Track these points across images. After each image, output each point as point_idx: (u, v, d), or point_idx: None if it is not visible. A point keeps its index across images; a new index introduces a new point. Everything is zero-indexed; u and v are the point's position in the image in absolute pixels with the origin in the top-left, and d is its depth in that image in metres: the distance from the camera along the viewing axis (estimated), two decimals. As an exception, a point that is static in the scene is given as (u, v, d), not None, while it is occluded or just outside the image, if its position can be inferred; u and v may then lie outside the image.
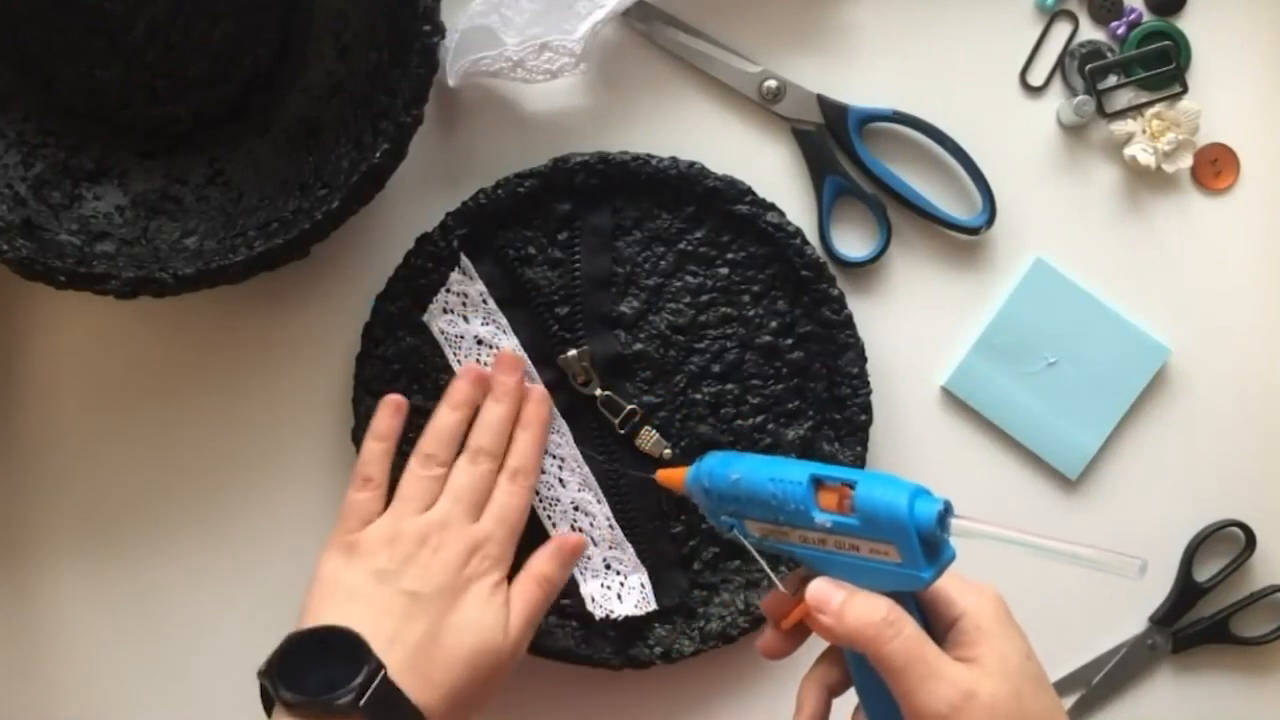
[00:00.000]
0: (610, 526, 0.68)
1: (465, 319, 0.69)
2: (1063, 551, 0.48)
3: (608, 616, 0.68)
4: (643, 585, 0.68)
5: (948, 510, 0.49)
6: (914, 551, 0.48)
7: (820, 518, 0.50)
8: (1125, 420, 0.70)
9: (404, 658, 0.57)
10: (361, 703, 0.54)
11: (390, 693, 0.56)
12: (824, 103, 0.69)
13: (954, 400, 0.70)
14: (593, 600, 0.68)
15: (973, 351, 0.70)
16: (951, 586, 0.52)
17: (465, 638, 0.59)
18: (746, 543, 0.54)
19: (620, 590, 0.68)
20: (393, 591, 0.60)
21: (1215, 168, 0.70)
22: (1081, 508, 0.70)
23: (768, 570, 0.54)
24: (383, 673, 0.56)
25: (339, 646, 0.57)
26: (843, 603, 0.49)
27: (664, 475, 0.59)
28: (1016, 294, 0.70)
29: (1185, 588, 0.69)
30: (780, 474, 0.52)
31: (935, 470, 0.70)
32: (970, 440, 0.70)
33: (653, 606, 0.68)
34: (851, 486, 0.50)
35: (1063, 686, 0.70)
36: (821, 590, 0.50)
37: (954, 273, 0.70)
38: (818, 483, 0.51)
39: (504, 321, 0.69)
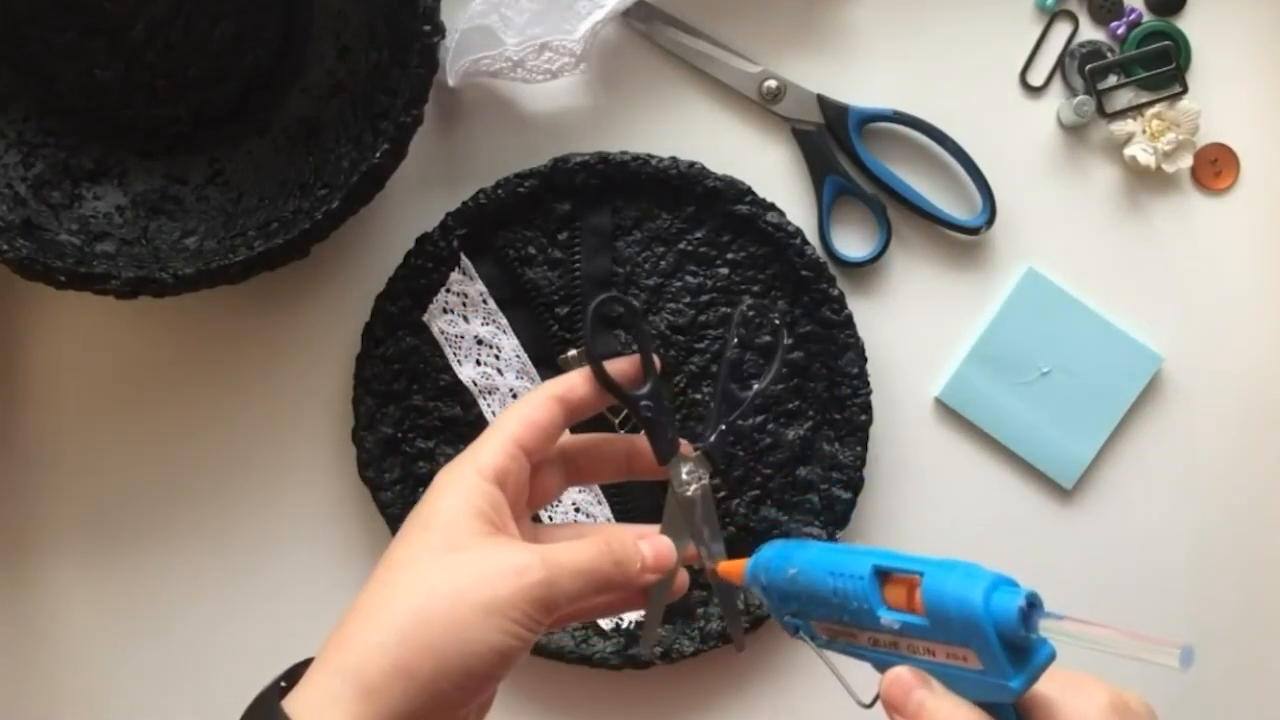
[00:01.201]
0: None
1: (465, 319, 0.69)
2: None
3: (617, 626, 0.68)
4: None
5: (1034, 605, 0.40)
6: (996, 657, 0.40)
7: (887, 617, 0.43)
8: (1120, 429, 0.70)
9: None
10: None
11: None
12: (824, 103, 0.69)
13: (948, 410, 0.70)
14: (597, 606, 0.68)
15: (965, 363, 0.70)
16: (1053, 685, 0.43)
17: None
18: (814, 646, 0.47)
19: (621, 591, 0.68)
20: None
21: (1215, 168, 0.70)
22: (1077, 517, 0.70)
23: (841, 679, 0.46)
24: None
25: None
26: (919, 705, 0.42)
27: (724, 568, 0.52)
28: (1008, 305, 0.70)
29: None
30: (841, 566, 0.44)
31: (931, 480, 0.70)
32: (965, 449, 0.70)
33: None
34: (920, 576, 0.42)
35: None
36: (898, 685, 0.43)
37: (954, 273, 0.70)
38: (883, 575, 0.43)
39: (504, 321, 0.69)
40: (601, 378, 0.51)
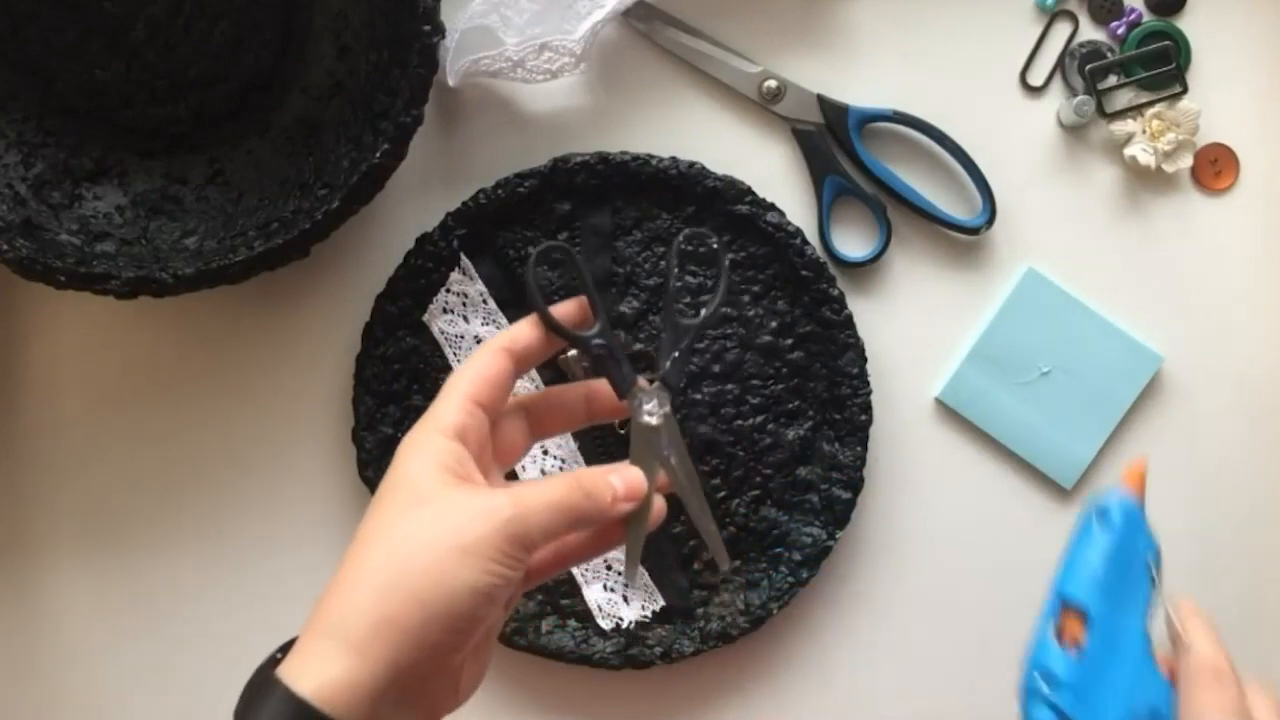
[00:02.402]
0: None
1: (465, 319, 0.69)
2: None
3: (617, 626, 0.68)
4: (646, 585, 0.68)
5: None
6: None
7: None
8: (1120, 428, 0.70)
9: None
10: None
11: None
12: (824, 103, 0.69)
13: (948, 410, 0.70)
14: (599, 610, 0.68)
15: (965, 363, 0.70)
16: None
17: None
18: None
19: (625, 592, 0.68)
20: None
21: (1215, 168, 0.70)
22: (1079, 513, 0.70)
23: None
24: None
25: None
26: None
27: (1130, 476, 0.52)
28: (1008, 305, 0.70)
29: None
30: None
31: (931, 480, 0.70)
32: (965, 449, 0.70)
33: (659, 604, 0.68)
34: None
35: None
36: None
37: (954, 273, 0.70)
38: None
39: (504, 321, 0.69)
40: (547, 321, 0.52)
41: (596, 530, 0.51)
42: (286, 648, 0.48)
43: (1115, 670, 0.49)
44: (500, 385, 0.50)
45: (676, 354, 0.54)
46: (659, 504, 0.52)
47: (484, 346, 0.51)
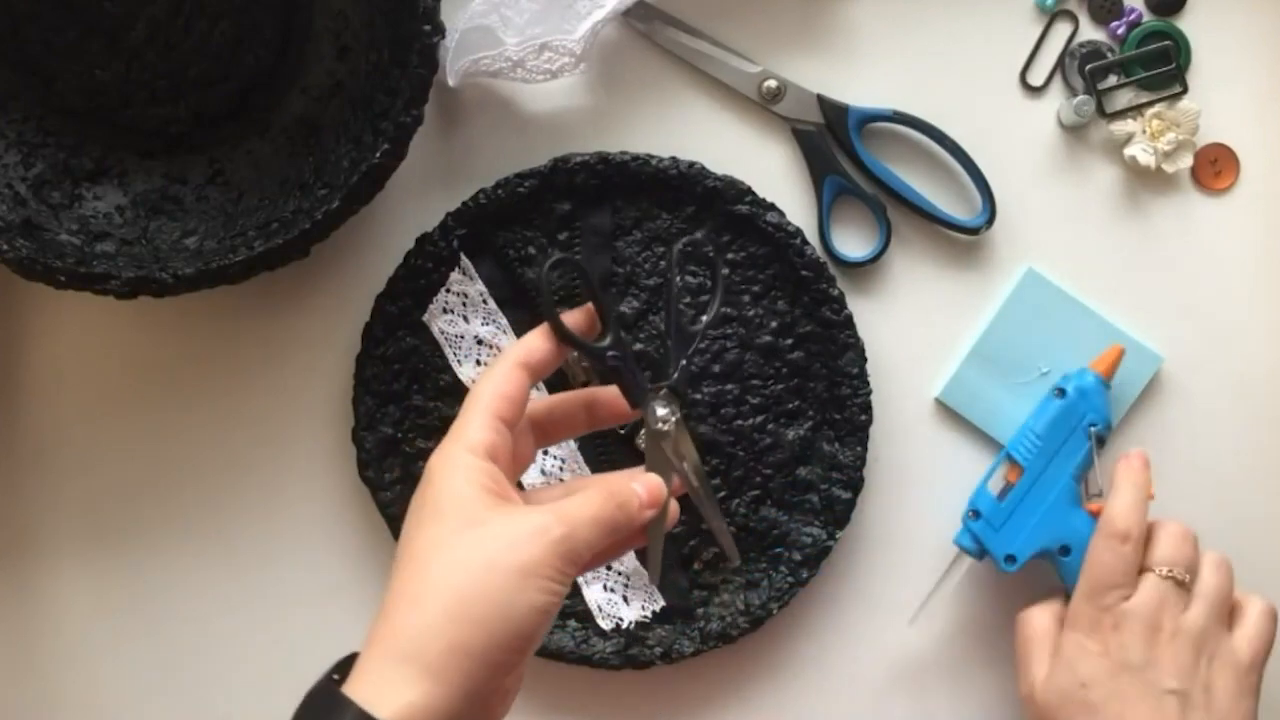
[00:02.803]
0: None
1: (465, 319, 0.69)
2: None
3: (617, 626, 0.68)
4: (646, 585, 0.68)
5: None
6: None
7: None
8: (1120, 428, 0.70)
9: None
10: None
11: None
12: (824, 103, 0.69)
13: (948, 410, 0.70)
14: (600, 610, 0.68)
15: (965, 363, 0.70)
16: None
17: None
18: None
19: (625, 592, 0.68)
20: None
21: (1215, 168, 0.70)
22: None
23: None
24: None
25: None
26: None
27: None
28: (1007, 305, 0.70)
29: None
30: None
31: (931, 480, 0.70)
32: (965, 449, 0.70)
33: (659, 604, 0.68)
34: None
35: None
36: None
37: (954, 273, 0.70)
38: None
39: (504, 322, 0.69)
40: (561, 334, 0.52)
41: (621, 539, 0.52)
42: (343, 667, 0.48)
43: (1033, 510, 0.65)
44: (520, 401, 0.51)
45: (684, 361, 0.54)
46: (674, 507, 0.53)
47: (500, 362, 0.52)
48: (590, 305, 0.54)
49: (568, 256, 0.54)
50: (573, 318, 0.54)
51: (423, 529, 0.48)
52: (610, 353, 0.53)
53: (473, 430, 0.50)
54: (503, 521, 0.48)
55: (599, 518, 0.49)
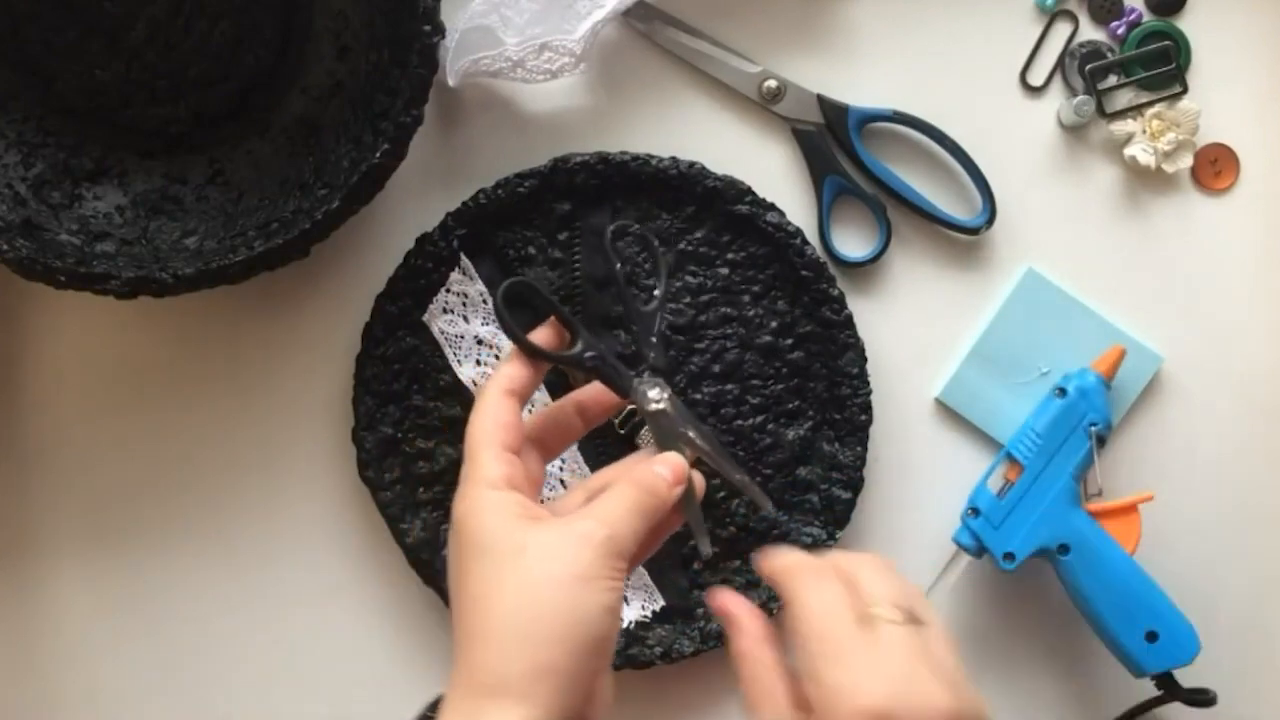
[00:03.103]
0: None
1: (465, 319, 0.69)
2: None
3: None
4: (646, 585, 0.68)
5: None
6: None
7: None
8: (1120, 428, 0.70)
9: None
10: None
11: None
12: (824, 103, 0.69)
13: (948, 410, 0.70)
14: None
15: (965, 363, 0.70)
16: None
17: None
18: None
19: (625, 592, 0.68)
20: None
21: (1215, 168, 0.70)
22: (1081, 508, 0.70)
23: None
24: None
25: None
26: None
27: None
28: (1007, 305, 0.70)
29: None
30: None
31: (931, 480, 0.70)
32: (965, 449, 0.70)
33: (659, 604, 0.68)
34: None
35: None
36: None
37: (954, 273, 0.70)
38: None
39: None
40: (532, 352, 0.53)
41: (659, 522, 0.53)
42: (435, 707, 0.48)
43: (1032, 508, 0.65)
44: (518, 426, 0.52)
45: (654, 339, 0.56)
46: (698, 478, 0.54)
47: (488, 395, 0.52)
48: (552, 320, 0.54)
49: (519, 279, 0.55)
50: (541, 335, 0.54)
51: (471, 571, 0.48)
52: (586, 354, 0.54)
53: (487, 468, 0.50)
54: (546, 538, 0.48)
55: (635, 508, 0.50)
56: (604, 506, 0.49)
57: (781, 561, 0.50)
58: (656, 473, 0.52)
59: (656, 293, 0.57)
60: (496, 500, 0.49)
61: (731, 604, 0.51)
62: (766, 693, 0.48)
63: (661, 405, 0.54)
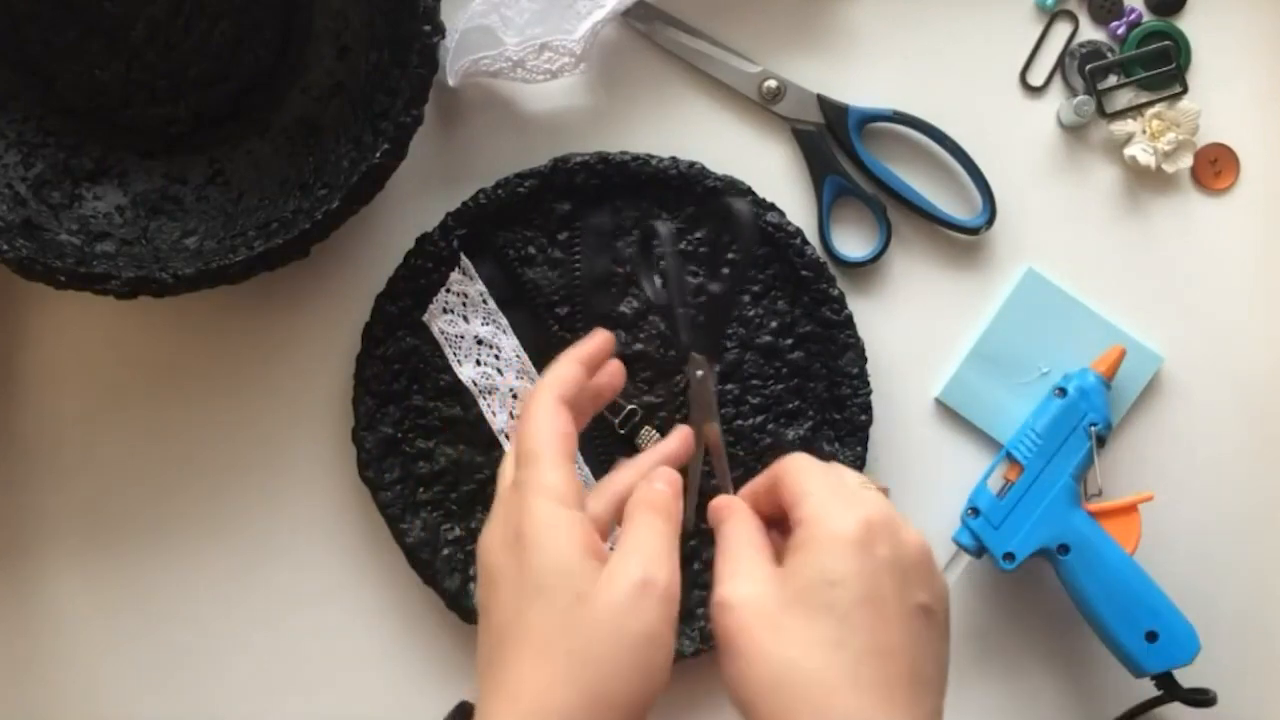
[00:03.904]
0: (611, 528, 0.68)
1: (465, 319, 0.69)
2: None
3: None
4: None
5: None
6: None
7: None
8: (1120, 428, 0.70)
9: None
10: None
11: None
12: (824, 103, 0.69)
13: (948, 410, 0.70)
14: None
15: (965, 363, 0.70)
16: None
17: None
18: None
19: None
20: None
21: (1215, 168, 0.70)
22: (1081, 508, 0.70)
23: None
24: None
25: None
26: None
27: None
28: (1008, 305, 0.70)
29: None
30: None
31: (931, 480, 0.70)
32: (965, 449, 0.70)
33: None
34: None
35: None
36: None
37: (954, 273, 0.70)
38: None
39: (504, 322, 0.69)
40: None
41: None
42: (463, 711, 0.48)
43: (1032, 508, 0.65)
44: (574, 438, 0.50)
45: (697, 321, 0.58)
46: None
47: (541, 403, 0.50)
48: (603, 332, 0.56)
49: (655, 223, 0.58)
50: (593, 345, 0.55)
51: (530, 608, 0.45)
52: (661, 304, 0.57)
53: (556, 478, 0.47)
54: (611, 589, 0.45)
55: (668, 540, 0.47)
56: (645, 549, 0.47)
57: (781, 464, 0.50)
58: (662, 493, 0.50)
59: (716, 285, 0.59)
60: (572, 525, 0.46)
61: (713, 504, 0.51)
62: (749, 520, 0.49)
63: (701, 374, 0.57)
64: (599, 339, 0.55)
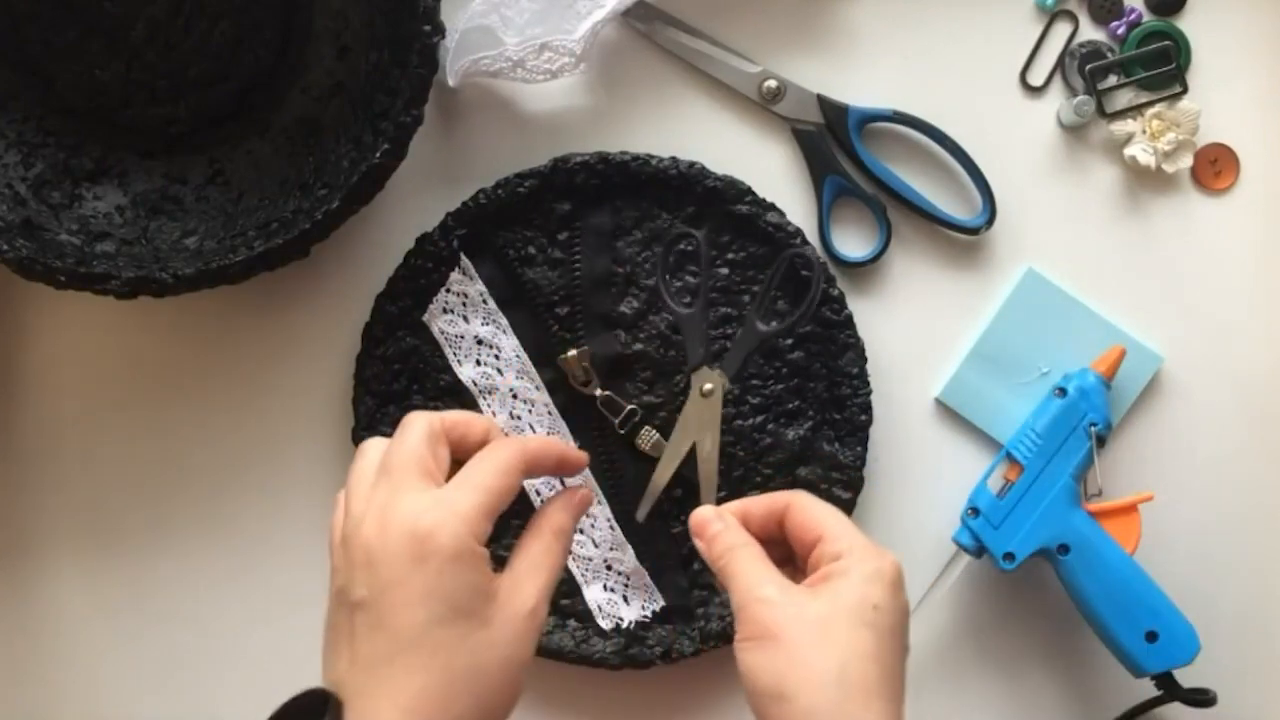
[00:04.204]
0: (611, 527, 0.68)
1: (465, 319, 0.69)
2: None
3: (617, 626, 0.68)
4: (646, 585, 0.68)
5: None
6: None
7: None
8: (1120, 428, 0.70)
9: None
10: None
11: None
12: (824, 103, 0.69)
13: (948, 410, 0.70)
14: (599, 610, 0.68)
15: (965, 363, 0.70)
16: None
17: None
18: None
19: (625, 592, 0.68)
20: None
21: (1215, 168, 0.70)
22: (1081, 508, 0.70)
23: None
24: None
25: (312, 709, 0.49)
26: (714, 533, 0.55)
27: None
28: (1008, 305, 0.70)
29: None
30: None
31: (931, 480, 0.70)
32: (965, 449, 0.70)
33: (659, 604, 0.68)
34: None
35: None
36: (698, 517, 0.56)
37: (954, 273, 0.70)
38: None
39: (504, 322, 0.69)
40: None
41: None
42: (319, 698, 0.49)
43: (1032, 508, 0.65)
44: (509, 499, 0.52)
45: (742, 359, 0.63)
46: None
47: (507, 456, 0.52)
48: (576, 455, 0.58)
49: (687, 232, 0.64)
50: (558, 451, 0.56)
51: (438, 626, 0.47)
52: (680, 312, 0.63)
53: (478, 519, 0.49)
54: (508, 615, 0.49)
55: (558, 570, 0.53)
56: (545, 574, 0.51)
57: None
58: (564, 519, 0.54)
59: (777, 324, 0.63)
60: (478, 558, 0.49)
61: (701, 518, 0.56)
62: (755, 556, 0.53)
63: (711, 388, 0.61)
64: (575, 458, 0.57)
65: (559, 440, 0.59)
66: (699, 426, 0.61)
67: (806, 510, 0.54)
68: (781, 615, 0.50)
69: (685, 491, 0.67)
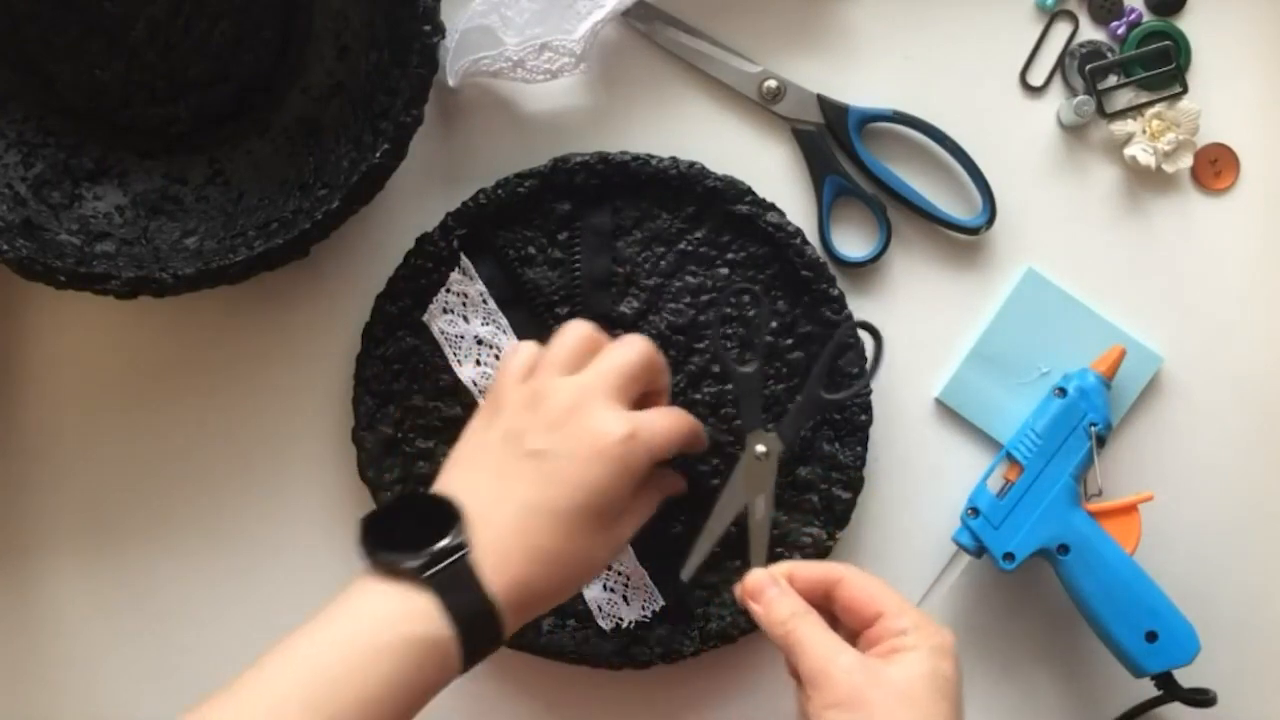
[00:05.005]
0: None
1: (465, 319, 0.69)
2: None
3: (617, 626, 0.68)
4: (646, 585, 0.68)
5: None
6: None
7: None
8: (1120, 428, 0.70)
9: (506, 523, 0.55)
10: (427, 574, 0.52)
11: (464, 573, 0.53)
12: (824, 103, 0.69)
13: (948, 410, 0.70)
14: (599, 610, 0.68)
15: (965, 363, 0.70)
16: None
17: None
18: None
19: (625, 592, 0.68)
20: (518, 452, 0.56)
21: (1215, 168, 0.70)
22: (1081, 508, 0.70)
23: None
24: (462, 553, 0.53)
25: (436, 513, 0.55)
26: (770, 598, 0.58)
27: None
28: (1008, 305, 0.70)
29: None
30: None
31: (931, 480, 0.70)
32: (965, 449, 0.70)
33: (660, 604, 0.68)
34: None
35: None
36: (754, 580, 0.59)
37: (954, 273, 0.70)
38: None
39: (504, 322, 0.69)
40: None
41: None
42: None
43: (1032, 508, 0.65)
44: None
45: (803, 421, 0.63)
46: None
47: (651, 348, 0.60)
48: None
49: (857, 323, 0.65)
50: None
51: (582, 510, 0.55)
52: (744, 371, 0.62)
53: (661, 451, 0.57)
54: (614, 537, 0.58)
55: (682, 434, 0.59)
56: (637, 521, 0.60)
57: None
58: (698, 426, 0.61)
59: (841, 393, 0.64)
60: (638, 484, 0.57)
61: (756, 582, 0.59)
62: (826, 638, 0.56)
63: (765, 450, 0.61)
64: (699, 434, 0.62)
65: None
66: (752, 488, 0.61)
67: (863, 587, 0.57)
68: (864, 683, 0.53)
69: (685, 491, 0.67)
